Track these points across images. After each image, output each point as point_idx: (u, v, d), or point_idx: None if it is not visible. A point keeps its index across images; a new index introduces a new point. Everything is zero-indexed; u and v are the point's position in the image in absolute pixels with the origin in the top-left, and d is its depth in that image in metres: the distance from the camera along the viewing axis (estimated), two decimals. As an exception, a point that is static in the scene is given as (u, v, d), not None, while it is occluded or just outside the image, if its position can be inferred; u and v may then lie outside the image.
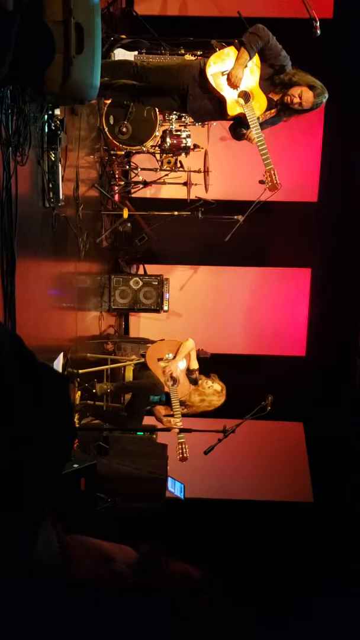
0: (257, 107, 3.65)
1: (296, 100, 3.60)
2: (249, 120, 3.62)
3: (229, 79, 3.59)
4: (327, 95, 3.66)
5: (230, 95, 3.64)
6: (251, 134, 3.64)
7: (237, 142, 3.96)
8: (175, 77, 3.73)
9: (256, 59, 3.63)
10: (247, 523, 6.07)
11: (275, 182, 3.64)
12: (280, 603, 5.01)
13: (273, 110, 3.74)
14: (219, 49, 3.70)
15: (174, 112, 5.71)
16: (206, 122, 6.01)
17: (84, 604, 0.73)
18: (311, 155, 7.31)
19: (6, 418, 0.67)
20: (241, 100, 3.63)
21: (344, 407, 7.01)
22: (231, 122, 3.89)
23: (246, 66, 3.58)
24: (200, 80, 3.67)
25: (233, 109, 3.66)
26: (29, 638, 0.72)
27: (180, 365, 4.93)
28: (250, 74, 3.63)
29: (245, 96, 3.63)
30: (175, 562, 0.79)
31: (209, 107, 3.75)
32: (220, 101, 3.68)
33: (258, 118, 3.66)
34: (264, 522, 6.12)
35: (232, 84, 3.59)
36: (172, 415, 4.71)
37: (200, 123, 5.94)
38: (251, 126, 3.62)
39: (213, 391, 4.85)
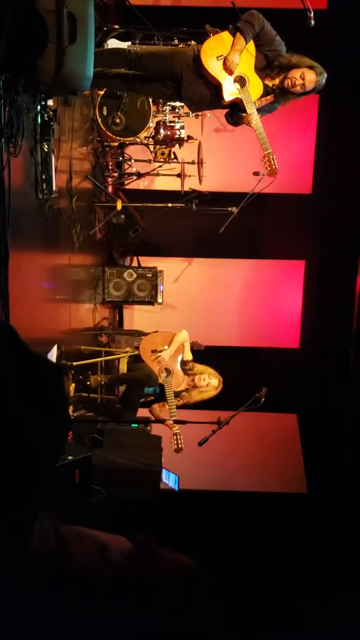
0: (253, 92, 3.62)
1: (299, 82, 3.57)
2: (245, 105, 3.59)
3: (224, 64, 3.56)
4: (326, 75, 3.64)
5: (226, 80, 3.61)
6: (249, 118, 3.61)
7: (230, 133, 3.95)
8: (168, 63, 3.70)
9: (251, 46, 3.61)
10: (242, 514, 6.10)
11: (274, 167, 3.62)
12: (275, 594, 5.04)
13: (270, 97, 3.71)
14: (213, 35, 3.67)
15: (168, 103, 5.68)
16: (200, 113, 5.97)
17: (80, 592, 0.74)
18: (305, 147, 7.30)
19: (1, 408, 0.67)
20: (237, 85, 3.61)
21: (337, 399, 7.04)
22: (226, 110, 3.87)
23: (242, 52, 3.55)
24: (195, 66, 3.64)
25: (229, 94, 3.63)
26: (27, 628, 0.72)
27: (170, 356, 4.92)
28: (246, 60, 3.60)
29: (241, 80, 3.60)
30: (170, 552, 0.80)
31: (204, 92, 3.71)
32: (216, 86, 3.65)
33: (254, 103, 3.63)
34: (258, 513, 6.15)
35: (228, 69, 3.56)
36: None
37: (195, 114, 5.91)
38: (248, 110, 3.59)
39: (212, 387, 4.90)
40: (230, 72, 3.57)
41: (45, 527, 0.77)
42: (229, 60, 3.53)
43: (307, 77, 3.57)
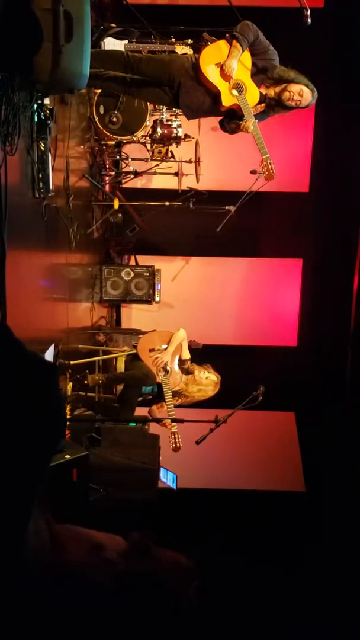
0: (250, 98, 3.69)
1: (296, 97, 3.67)
2: (243, 110, 3.64)
3: (222, 70, 3.62)
4: (317, 96, 3.75)
5: (224, 87, 3.66)
6: (247, 124, 3.65)
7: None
8: (166, 68, 3.73)
9: (247, 56, 3.67)
10: (240, 512, 6.11)
11: (271, 171, 3.65)
12: (272, 592, 5.05)
13: (262, 105, 3.77)
14: (211, 43, 3.73)
15: (164, 105, 5.67)
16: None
17: (76, 591, 0.74)
18: (302, 145, 7.30)
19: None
20: (235, 92, 3.65)
21: (335, 397, 7.05)
22: (222, 117, 3.90)
23: (238, 59, 3.61)
24: (194, 73, 3.69)
25: (227, 100, 3.68)
26: (24, 627, 0.72)
27: (168, 355, 4.92)
28: (242, 68, 3.67)
29: (239, 87, 3.66)
30: (166, 550, 0.80)
31: (203, 99, 3.75)
32: (214, 93, 3.69)
33: (251, 109, 3.67)
34: (256, 512, 6.16)
35: (226, 75, 3.61)
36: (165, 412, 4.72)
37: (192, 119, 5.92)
38: (246, 116, 3.65)
39: (210, 382, 4.89)
40: (227, 78, 3.62)
41: (39, 526, 0.77)
42: (227, 66, 3.60)
43: (305, 95, 3.68)
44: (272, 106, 3.78)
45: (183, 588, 0.76)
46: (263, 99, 3.75)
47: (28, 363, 0.74)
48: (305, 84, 3.68)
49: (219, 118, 3.97)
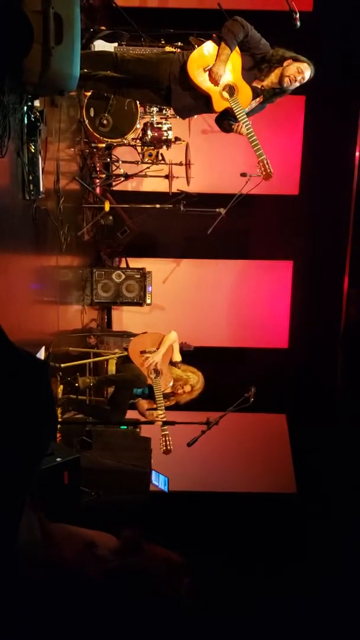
0: (243, 99, 3.62)
1: (299, 77, 3.59)
2: (236, 113, 3.59)
3: (210, 76, 3.56)
4: (313, 67, 3.67)
5: (214, 91, 3.60)
6: (241, 128, 3.61)
7: (218, 135, 3.95)
8: (154, 68, 3.69)
9: (237, 52, 3.61)
10: (231, 515, 6.11)
11: (269, 171, 3.63)
12: (264, 593, 5.05)
13: (259, 98, 3.72)
14: (198, 46, 3.66)
15: (155, 105, 5.68)
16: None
17: (69, 586, 0.74)
18: (292, 148, 7.34)
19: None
20: (226, 95, 3.60)
21: (326, 398, 7.07)
22: (216, 114, 3.86)
23: (227, 61, 3.54)
24: (182, 78, 3.63)
25: (219, 105, 3.63)
26: (16, 621, 0.72)
27: (158, 355, 4.93)
28: (233, 67, 3.59)
29: (230, 90, 3.60)
30: (157, 547, 0.80)
31: (193, 103, 3.72)
32: (206, 97, 3.64)
33: (244, 110, 3.63)
34: (248, 514, 6.16)
35: (214, 81, 3.56)
36: (155, 409, 4.71)
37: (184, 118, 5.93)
38: (239, 119, 3.59)
39: (187, 394, 4.90)
40: (215, 84, 3.57)
41: (31, 524, 0.77)
42: (214, 72, 3.53)
43: (305, 71, 3.60)
44: (271, 96, 3.71)
45: (175, 583, 0.76)
46: (258, 92, 3.69)
47: (19, 361, 0.74)
48: (295, 58, 3.60)
49: (210, 121, 3.97)
